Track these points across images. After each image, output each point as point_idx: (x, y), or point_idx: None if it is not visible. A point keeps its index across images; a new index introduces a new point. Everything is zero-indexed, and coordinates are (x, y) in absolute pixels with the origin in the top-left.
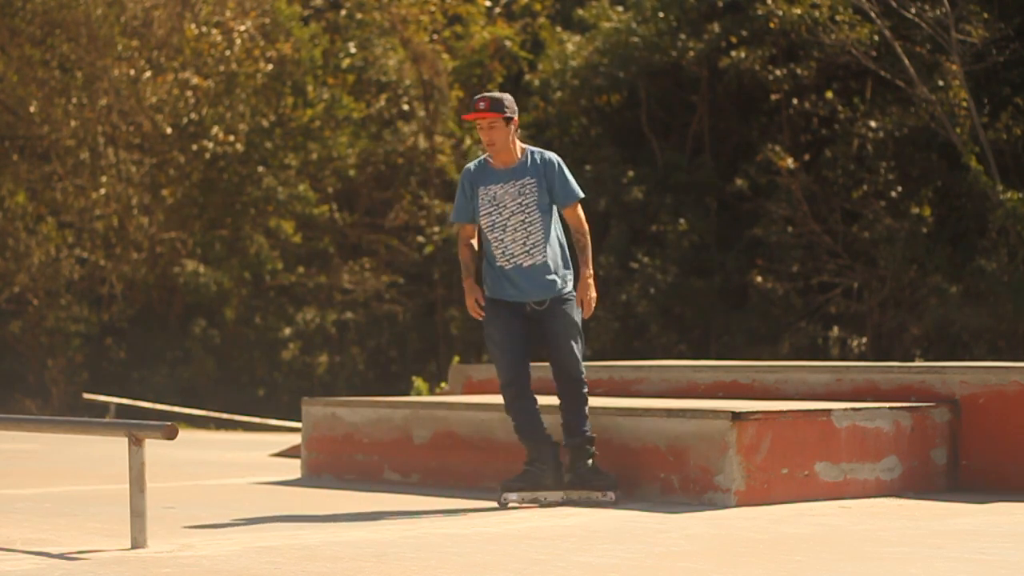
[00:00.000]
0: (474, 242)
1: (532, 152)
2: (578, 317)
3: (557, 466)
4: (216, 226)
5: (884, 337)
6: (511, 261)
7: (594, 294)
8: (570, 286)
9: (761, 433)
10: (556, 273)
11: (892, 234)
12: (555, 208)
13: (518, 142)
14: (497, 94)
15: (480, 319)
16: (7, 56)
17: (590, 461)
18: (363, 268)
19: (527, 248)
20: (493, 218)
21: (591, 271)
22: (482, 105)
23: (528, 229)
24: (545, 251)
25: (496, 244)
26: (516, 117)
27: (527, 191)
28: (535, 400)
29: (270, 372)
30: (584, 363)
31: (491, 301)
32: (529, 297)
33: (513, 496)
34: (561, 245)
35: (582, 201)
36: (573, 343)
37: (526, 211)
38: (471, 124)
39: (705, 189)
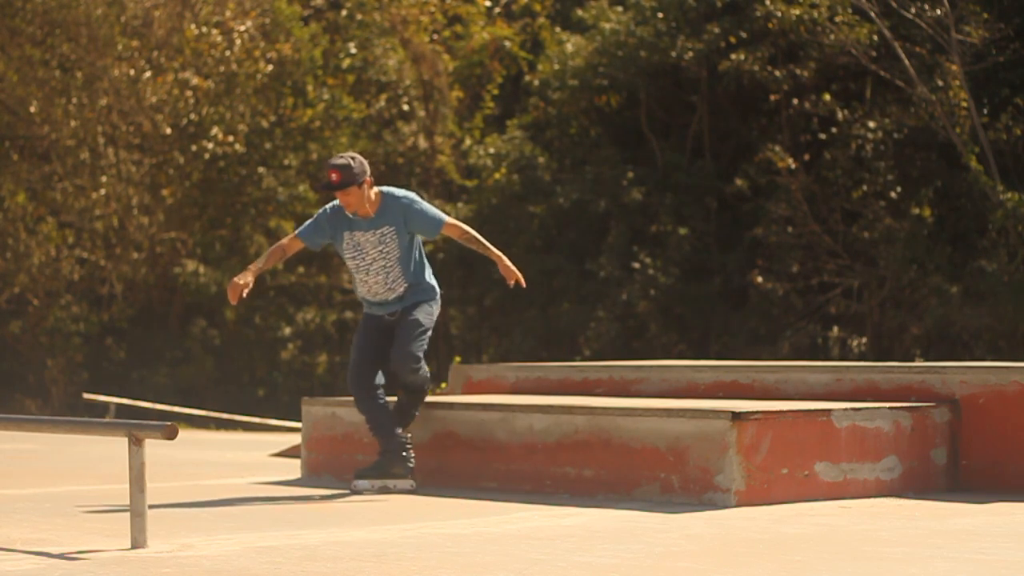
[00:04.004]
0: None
1: (387, 197)
2: (424, 319)
3: (405, 457)
4: (216, 226)
5: (884, 337)
6: (375, 297)
7: (512, 266)
8: (421, 298)
9: (761, 433)
10: (413, 296)
11: (892, 234)
12: (416, 237)
13: (373, 191)
14: (347, 161)
15: (233, 303)
16: (7, 56)
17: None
18: None
19: (388, 286)
20: (357, 262)
21: (500, 252)
22: (334, 177)
23: (388, 272)
24: (405, 283)
25: (361, 283)
26: (368, 176)
27: (387, 239)
28: (382, 397)
29: (270, 372)
30: (425, 365)
31: (365, 313)
32: (386, 312)
33: (365, 483)
34: (421, 264)
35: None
36: (409, 341)
37: (386, 257)
38: (472, 125)
39: (705, 189)
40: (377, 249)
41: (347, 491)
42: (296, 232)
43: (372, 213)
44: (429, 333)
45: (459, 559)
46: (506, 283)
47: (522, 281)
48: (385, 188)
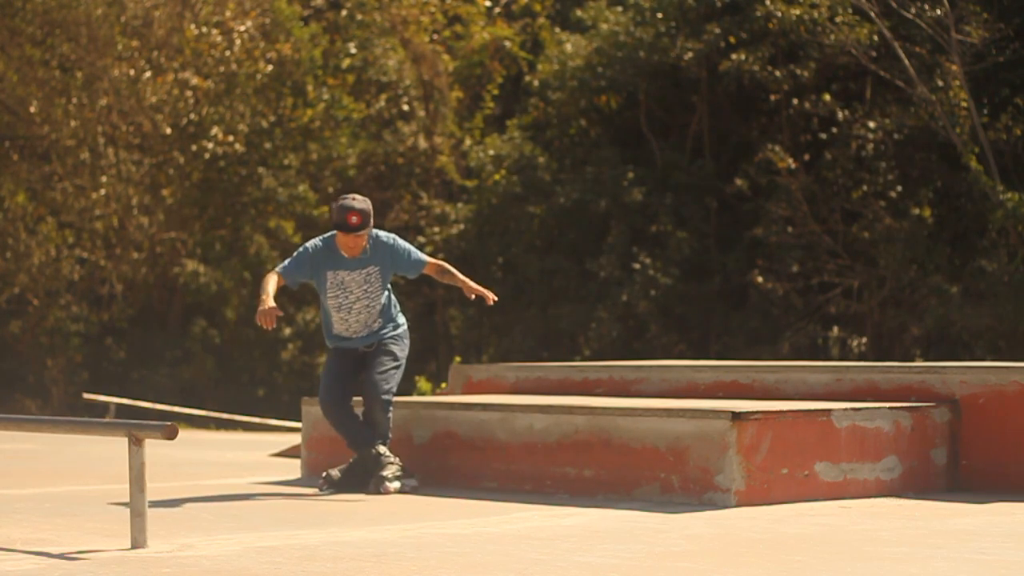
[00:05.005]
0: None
1: (373, 238)
2: (398, 351)
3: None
4: (216, 226)
5: (884, 337)
6: (354, 335)
7: (478, 286)
8: (397, 332)
9: (761, 433)
10: (386, 328)
11: (892, 234)
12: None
13: None
14: (365, 206)
15: (270, 328)
16: (7, 56)
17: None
18: None
19: (367, 324)
20: (340, 300)
21: (465, 279)
22: (354, 221)
23: (370, 311)
24: (381, 320)
25: (340, 321)
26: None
27: (372, 278)
28: (356, 416)
29: (270, 372)
30: (395, 393)
31: (332, 349)
32: (361, 345)
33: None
34: (393, 304)
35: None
36: (387, 370)
37: (369, 296)
38: (472, 125)
39: (705, 189)
40: (362, 288)
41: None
42: (278, 268)
43: (359, 253)
44: (402, 368)
45: (459, 559)
46: (485, 300)
47: (488, 297)
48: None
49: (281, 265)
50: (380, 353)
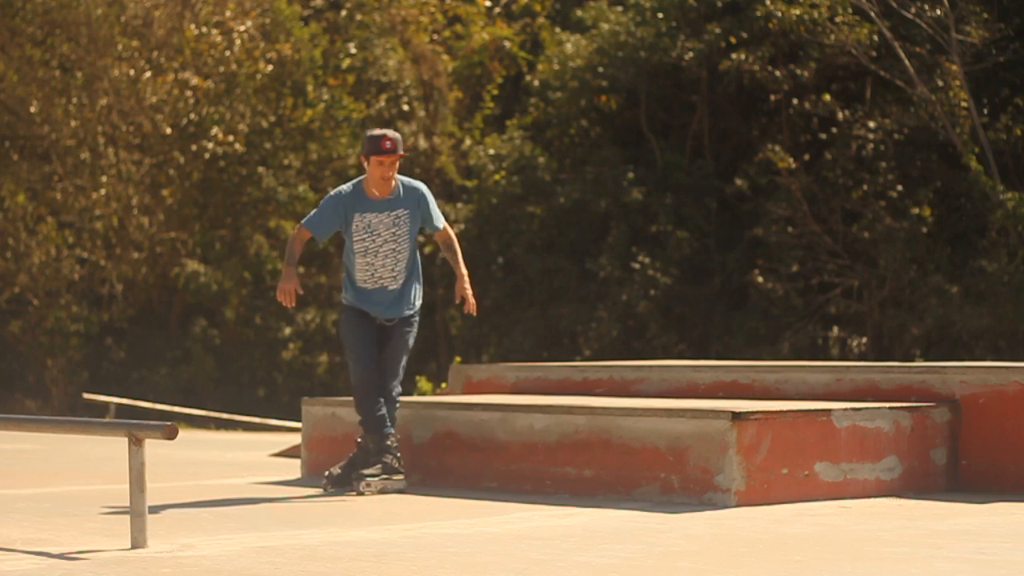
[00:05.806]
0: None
1: (404, 182)
2: (411, 341)
3: (400, 457)
4: (216, 226)
5: (884, 337)
6: (378, 283)
7: (470, 290)
8: (414, 314)
9: (761, 433)
10: (410, 297)
11: (892, 234)
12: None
13: None
14: (396, 133)
15: (291, 306)
16: (7, 56)
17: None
18: None
19: (395, 273)
20: (366, 244)
21: (465, 271)
22: (388, 145)
23: (397, 256)
24: (407, 275)
25: (365, 267)
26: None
27: (401, 221)
28: (381, 403)
29: (270, 372)
30: (404, 380)
31: (351, 309)
32: (383, 315)
33: (371, 486)
34: (418, 269)
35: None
36: (401, 364)
37: (398, 240)
38: (472, 125)
39: (705, 189)
40: (390, 231)
41: (346, 491)
42: (303, 222)
43: (390, 193)
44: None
45: (459, 559)
46: (465, 302)
47: (473, 309)
48: (400, 176)
49: (306, 218)
50: (397, 343)
